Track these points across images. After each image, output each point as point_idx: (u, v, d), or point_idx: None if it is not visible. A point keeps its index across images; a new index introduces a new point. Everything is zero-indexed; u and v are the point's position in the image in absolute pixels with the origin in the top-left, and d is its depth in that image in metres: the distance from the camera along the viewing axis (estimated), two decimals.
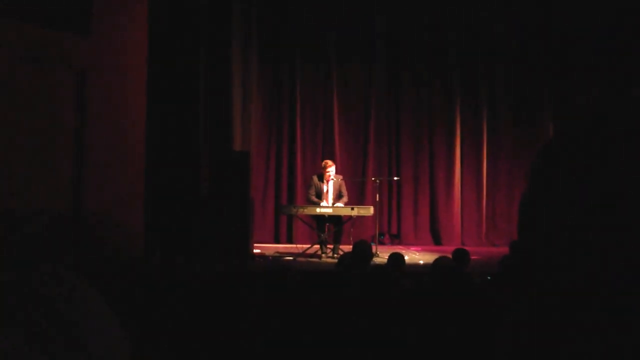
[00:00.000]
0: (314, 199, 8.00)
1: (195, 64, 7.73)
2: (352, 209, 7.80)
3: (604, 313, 0.42)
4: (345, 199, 8.06)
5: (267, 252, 8.35)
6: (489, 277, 4.62)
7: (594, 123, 0.49)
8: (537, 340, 0.47)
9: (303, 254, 7.88)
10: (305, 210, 7.90)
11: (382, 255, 7.38)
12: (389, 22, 10.00)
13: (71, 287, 0.38)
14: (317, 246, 7.92)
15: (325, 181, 8.03)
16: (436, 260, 3.97)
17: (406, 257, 5.43)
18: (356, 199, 9.44)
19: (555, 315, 0.45)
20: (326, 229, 7.87)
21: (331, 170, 8.00)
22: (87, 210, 5.86)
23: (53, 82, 5.62)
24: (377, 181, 8.50)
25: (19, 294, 0.36)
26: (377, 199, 8.40)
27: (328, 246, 7.89)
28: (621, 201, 0.43)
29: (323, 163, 8.19)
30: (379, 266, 5.57)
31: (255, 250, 8.14)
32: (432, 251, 8.80)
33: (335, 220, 7.91)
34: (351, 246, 5.60)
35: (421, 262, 7.62)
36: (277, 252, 8.44)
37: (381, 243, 9.05)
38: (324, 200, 7.99)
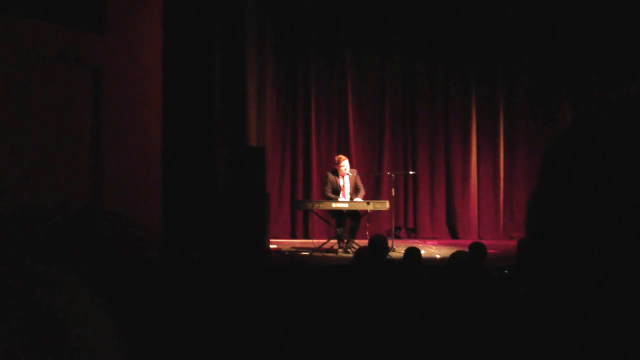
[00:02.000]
0: (331, 195, 7.98)
1: (210, 61, 7.76)
2: (368, 203, 7.78)
3: (605, 312, 0.41)
4: (362, 192, 8.04)
5: (283, 247, 8.37)
6: (505, 272, 4.59)
7: (605, 119, 0.47)
8: (545, 336, 0.46)
9: (319, 249, 7.88)
10: (321, 205, 7.88)
11: (398, 249, 7.36)
12: (402, 14, 9.94)
13: (62, 289, 0.38)
14: (333, 241, 7.91)
15: (340, 176, 8.01)
16: (453, 255, 3.94)
17: (422, 252, 5.40)
18: (372, 193, 9.42)
19: (561, 313, 0.44)
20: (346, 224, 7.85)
21: (345, 164, 7.97)
22: (104, 207, 5.91)
23: (69, 80, 5.66)
24: (393, 175, 8.47)
25: (10, 296, 0.35)
26: (393, 194, 8.36)
27: (345, 241, 7.88)
28: (628, 200, 0.41)
29: (336, 158, 8.17)
30: (394, 260, 5.56)
31: (271, 246, 8.16)
32: (448, 245, 8.77)
33: (353, 214, 7.89)
34: (367, 241, 5.58)
35: (438, 256, 7.59)
36: (294, 247, 8.46)
37: (397, 237, 9.03)
38: (341, 195, 7.97)
